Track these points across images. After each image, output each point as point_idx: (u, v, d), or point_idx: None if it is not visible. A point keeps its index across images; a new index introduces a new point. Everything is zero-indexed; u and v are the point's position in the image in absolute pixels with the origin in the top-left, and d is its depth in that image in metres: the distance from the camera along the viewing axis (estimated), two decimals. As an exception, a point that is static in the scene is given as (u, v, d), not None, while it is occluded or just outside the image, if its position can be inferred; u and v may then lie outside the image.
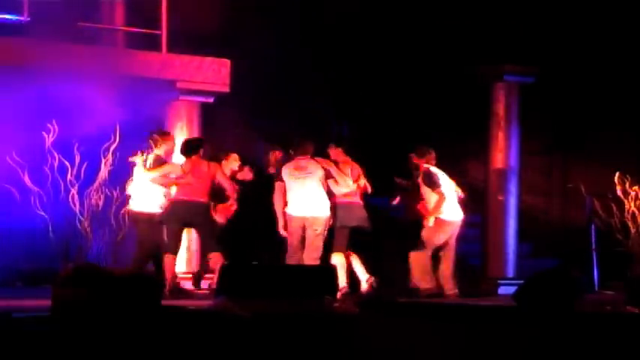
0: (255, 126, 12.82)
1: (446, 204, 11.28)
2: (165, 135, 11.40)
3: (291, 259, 10.92)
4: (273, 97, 13.80)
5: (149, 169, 10.95)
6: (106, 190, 11.38)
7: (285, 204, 11.08)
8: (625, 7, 13.47)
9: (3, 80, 11.28)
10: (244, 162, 11.63)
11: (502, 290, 12.64)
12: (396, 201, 11.77)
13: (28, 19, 11.99)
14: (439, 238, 11.32)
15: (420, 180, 11.43)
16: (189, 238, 11.84)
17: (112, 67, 11.88)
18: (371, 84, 14.41)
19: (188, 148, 11.05)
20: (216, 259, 10.63)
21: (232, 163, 11.54)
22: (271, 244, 11.40)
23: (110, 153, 11.40)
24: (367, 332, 5.82)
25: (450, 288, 11.29)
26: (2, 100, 11.35)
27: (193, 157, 10.92)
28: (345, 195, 11.18)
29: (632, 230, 12.76)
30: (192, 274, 11.82)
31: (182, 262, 11.91)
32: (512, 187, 13.57)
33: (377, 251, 11.98)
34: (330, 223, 11.04)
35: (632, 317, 7.28)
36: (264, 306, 6.79)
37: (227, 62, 12.56)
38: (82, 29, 12.20)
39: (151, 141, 11.10)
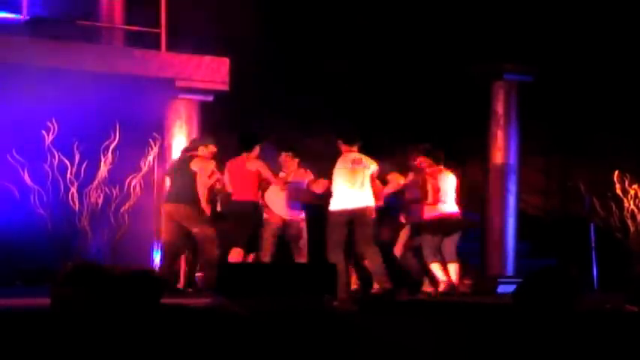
0: (255, 126, 12.81)
1: None
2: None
3: None
4: (272, 97, 13.81)
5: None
6: (106, 188, 11.39)
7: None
8: (625, 7, 13.46)
9: (3, 79, 11.28)
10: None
11: (501, 289, 12.65)
12: None
13: (28, 17, 12.00)
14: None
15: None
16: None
17: (111, 66, 11.89)
18: (371, 83, 14.41)
19: None
20: None
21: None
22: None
23: (110, 151, 11.42)
24: (366, 331, 5.82)
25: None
26: (2, 99, 11.35)
27: None
28: None
29: (632, 229, 12.77)
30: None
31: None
32: (512, 186, 13.58)
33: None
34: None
35: (632, 316, 7.28)
36: (262, 304, 6.79)
37: (226, 61, 12.56)
38: (82, 28, 12.21)
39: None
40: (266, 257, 11.18)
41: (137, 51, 12.36)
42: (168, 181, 11.56)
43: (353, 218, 10.72)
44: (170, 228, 11.22)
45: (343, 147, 10.94)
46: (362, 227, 10.72)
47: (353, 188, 10.70)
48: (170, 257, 11.28)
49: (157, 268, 11.58)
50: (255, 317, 5.68)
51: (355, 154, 10.86)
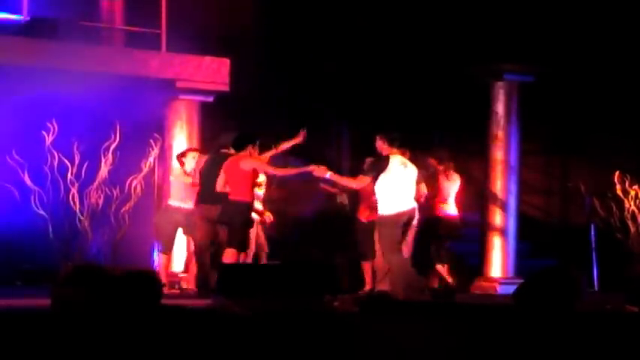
0: (254, 125, 12.82)
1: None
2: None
3: None
4: (272, 97, 13.81)
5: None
6: (106, 189, 11.40)
7: None
8: (625, 7, 13.46)
9: (3, 80, 11.29)
10: None
11: (502, 289, 12.65)
12: None
13: (28, 18, 12.01)
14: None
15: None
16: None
17: (111, 66, 11.89)
18: (371, 83, 14.41)
19: None
20: None
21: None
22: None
23: (110, 152, 11.42)
24: (367, 332, 5.82)
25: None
26: (2, 100, 11.36)
27: None
28: None
29: (632, 230, 12.76)
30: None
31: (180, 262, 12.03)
32: (512, 187, 13.55)
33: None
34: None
35: (632, 316, 7.28)
36: (263, 305, 6.79)
37: (226, 61, 12.56)
38: (82, 28, 12.21)
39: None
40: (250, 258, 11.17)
41: (137, 51, 12.36)
42: (197, 179, 11.32)
43: (406, 220, 10.55)
44: (205, 229, 11.08)
45: (385, 148, 10.63)
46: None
47: (405, 191, 10.55)
48: (201, 258, 11.17)
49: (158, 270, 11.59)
50: (255, 318, 5.68)
51: (399, 157, 10.63)
